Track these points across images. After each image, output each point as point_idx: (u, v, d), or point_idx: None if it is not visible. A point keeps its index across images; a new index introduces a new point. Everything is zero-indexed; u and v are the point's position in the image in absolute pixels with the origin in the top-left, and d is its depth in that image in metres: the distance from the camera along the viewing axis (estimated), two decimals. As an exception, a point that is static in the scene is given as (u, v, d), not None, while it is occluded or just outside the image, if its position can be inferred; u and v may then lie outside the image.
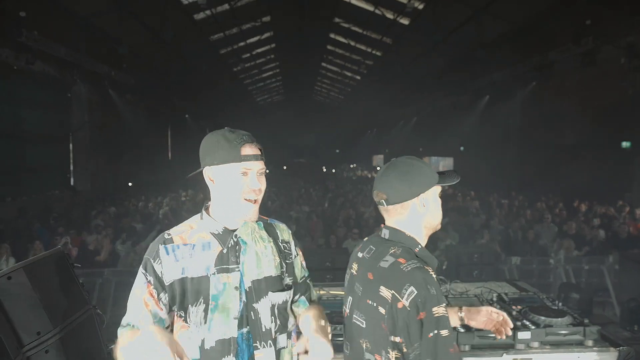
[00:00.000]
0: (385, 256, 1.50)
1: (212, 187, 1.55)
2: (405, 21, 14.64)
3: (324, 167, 32.91)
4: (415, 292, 1.38)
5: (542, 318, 2.35)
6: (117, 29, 11.81)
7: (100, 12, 11.27)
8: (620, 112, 10.27)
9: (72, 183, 12.79)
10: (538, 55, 11.07)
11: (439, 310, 1.37)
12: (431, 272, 1.44)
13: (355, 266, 1.64)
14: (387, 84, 21.61)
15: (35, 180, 11.55)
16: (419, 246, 1.56)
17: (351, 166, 36.22)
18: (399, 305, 1.39)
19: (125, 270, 6.34)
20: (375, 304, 1.46)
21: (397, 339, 1.40)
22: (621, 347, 2.25)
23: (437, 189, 1.59)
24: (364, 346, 1.51)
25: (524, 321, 2.35)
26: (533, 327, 2.29)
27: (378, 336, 1.46)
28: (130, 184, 15.92)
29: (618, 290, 6.34)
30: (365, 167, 34.73)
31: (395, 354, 1.42)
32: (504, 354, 2.27)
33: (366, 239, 1.71)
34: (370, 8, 14.69)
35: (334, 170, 33.24)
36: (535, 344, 2.27)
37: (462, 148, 19.05)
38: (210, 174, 1.53)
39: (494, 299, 2.75)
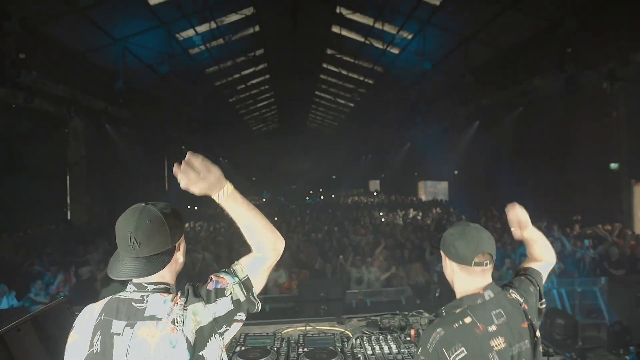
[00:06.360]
0: (512, 302, 1.76)
1: None
2: (395, 50, 15.04)
3: (318, 192, 32.70)
4: (544, 299, 1.88)
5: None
6: (113, 64, 12.15)
7: (96, 48, 11.60)
8: (607, 135, 10.48)
9: (68, 217, 12.86)
10: (524, 81, 11.36)
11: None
12: None
13: (500, 340, 1.63)
14: (380, 111, 21.98)
15: (32, 215, 11.59)
16: None
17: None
18: (540, 306, 1.85)
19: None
20: (533, 331, 1.75)
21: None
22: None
23: None
24: None
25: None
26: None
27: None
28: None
29: (609, 313, 6.36)
30: (363, 193, 34.66)
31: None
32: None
33: (468, 312, 1.68)
34: (360, 39, 15.11)
35: (333, 196, 33.16)
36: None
37: (456, 172, 19.22)
38: None
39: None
